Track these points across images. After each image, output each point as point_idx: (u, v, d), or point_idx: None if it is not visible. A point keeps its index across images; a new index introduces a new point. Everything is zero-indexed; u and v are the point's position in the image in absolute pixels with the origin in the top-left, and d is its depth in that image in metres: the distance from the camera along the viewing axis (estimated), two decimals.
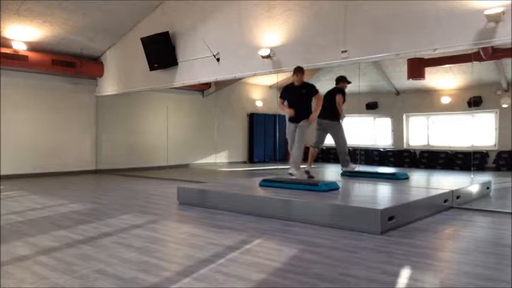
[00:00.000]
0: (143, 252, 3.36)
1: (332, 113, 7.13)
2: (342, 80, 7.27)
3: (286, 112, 6.33)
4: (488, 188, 6.53)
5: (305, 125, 6.29)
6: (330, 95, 7.19)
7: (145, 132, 11.64)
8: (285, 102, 6.39)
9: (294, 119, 6.29)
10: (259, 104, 14.24)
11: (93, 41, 9.66)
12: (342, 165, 7.37)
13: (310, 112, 6.30)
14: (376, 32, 6.04)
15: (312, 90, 6.28)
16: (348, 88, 7.66)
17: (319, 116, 6.97)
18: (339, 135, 7.25)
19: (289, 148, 6.57)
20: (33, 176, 9.51)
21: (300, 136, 6.25)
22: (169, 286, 2.61)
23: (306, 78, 6.44)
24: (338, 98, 7.07)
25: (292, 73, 6.29)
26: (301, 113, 6.24)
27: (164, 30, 8.50)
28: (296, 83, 6.27)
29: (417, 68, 8.68)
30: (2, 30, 8.34)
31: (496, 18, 4.97)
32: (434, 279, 2.77)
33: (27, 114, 9.60)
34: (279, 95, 6.59)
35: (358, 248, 3.46)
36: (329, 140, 7.54)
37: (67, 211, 5.29)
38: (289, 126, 6.39)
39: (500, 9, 4.91)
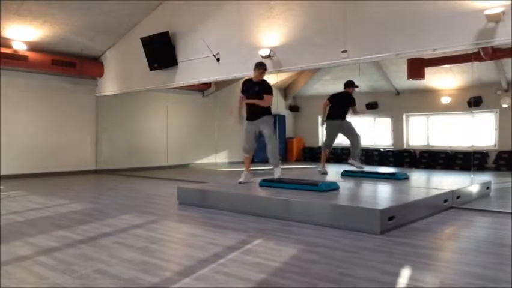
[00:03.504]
0: (143, 252, 3.36)
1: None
2: (348, 85, 7.40)
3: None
4: (488, 188, 6.52)
5: (270, 119, 6.00)
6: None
7: (145, 132, 11.65)
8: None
9: (253, 117, 5.95)
10: None
11: (93, 41, 9.66)
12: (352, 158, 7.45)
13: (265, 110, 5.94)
14: (376, 32, 6.04)
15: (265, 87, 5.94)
16: None
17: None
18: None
19: (245, 150, 6.17)
20: (33, 176, 9.51)
21: (271, 133, 5.97)
22: (169, 286, 2.61)
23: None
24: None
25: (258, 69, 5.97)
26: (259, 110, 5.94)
27: (164, 30, 8.50)
28: (255, 79, 5.99)
29: (417, 68, 8.69)
30: (2, 30, 8.35)
31: (496, 18, 4.97)
32: (434, 279, 2.77)
33: (27, 114, 9.60)
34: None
35: (358, 248, 3.46)
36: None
37: (67, 211, 5.30)
38: (248, 124, 6.04)
39: (500, 9, 4.91)
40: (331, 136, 7.47)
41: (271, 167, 6.16)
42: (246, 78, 6.25)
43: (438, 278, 2.79)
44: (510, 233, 4.00)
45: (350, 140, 7.42)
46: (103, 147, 10.90)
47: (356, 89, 7.47)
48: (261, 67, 5.99)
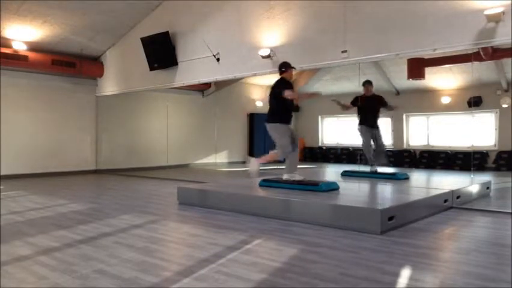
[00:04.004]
0: (143, 252, 3.36)
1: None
2: (363, 85, 7.40)
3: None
4: (488, 188, 6.53)
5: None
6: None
7: (145, 132, 11.65)
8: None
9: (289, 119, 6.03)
10: (259, 104, 14.23)
11: (93, 41, 9.66)
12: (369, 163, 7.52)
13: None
14: (376, 32, 6.04)
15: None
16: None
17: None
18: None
19: (287, 152, 5.75)
20: (33, 176, 9.51)
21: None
22: (169, 286, 2.61)
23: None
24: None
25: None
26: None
27: (164, 30, 8.50)
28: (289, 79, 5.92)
29: (417, 68, 8.68)
30: (2, 30, 8.34)
31: (496, 18, 4.97)
32: (434, 279, 2.77)
33: (27, 114, 9.60)
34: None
35: (358, 248, 3.46)
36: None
37: (67, 211, 5.29)
38: (286, 125, 5.92)
39: (500, 9, 4.91)
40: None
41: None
42: (280, 78, 5.91)
43: (438, 278, 2.79)
44: (510, 233, 4.00)
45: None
46: (103, 147, 10.90)
47: (359, 89, 7.53)
48: (292, 67, 5.78)
